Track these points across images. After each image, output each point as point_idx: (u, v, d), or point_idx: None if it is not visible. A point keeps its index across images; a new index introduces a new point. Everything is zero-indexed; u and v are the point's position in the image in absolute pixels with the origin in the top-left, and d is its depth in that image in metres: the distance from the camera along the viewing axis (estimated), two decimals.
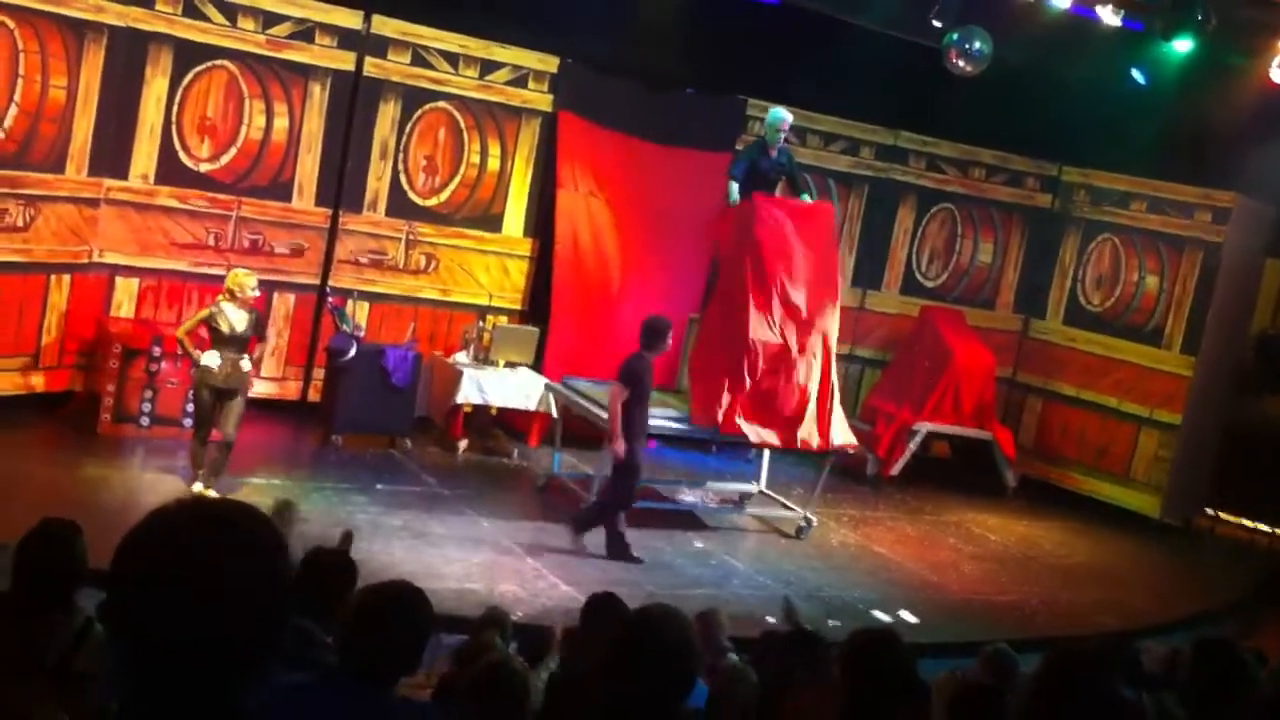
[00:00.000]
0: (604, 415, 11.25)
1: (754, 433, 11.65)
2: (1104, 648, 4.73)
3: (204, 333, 10.11)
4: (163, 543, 1.89)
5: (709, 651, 6.29)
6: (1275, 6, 12.44)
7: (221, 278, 12.29)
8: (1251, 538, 15.24)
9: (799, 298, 11.75)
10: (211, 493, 9.92)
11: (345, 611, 3.99)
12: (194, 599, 1.84)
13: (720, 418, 11.49)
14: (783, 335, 11.63)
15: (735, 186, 12.16)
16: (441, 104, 13.36)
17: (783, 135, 12.44)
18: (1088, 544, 13.90)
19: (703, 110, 14.56)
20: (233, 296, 10.04)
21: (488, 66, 13.50)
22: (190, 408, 10.83)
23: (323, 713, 3.67)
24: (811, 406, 11.70)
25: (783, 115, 12.43)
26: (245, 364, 10.16)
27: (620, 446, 10.52)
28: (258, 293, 10.32)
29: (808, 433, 11.74)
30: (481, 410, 13.12)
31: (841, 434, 11.97)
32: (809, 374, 11.67)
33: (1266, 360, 15.58)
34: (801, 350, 11.66)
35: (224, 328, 9.96)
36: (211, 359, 9.96)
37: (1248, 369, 15.50)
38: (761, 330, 11.55)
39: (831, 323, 11.93)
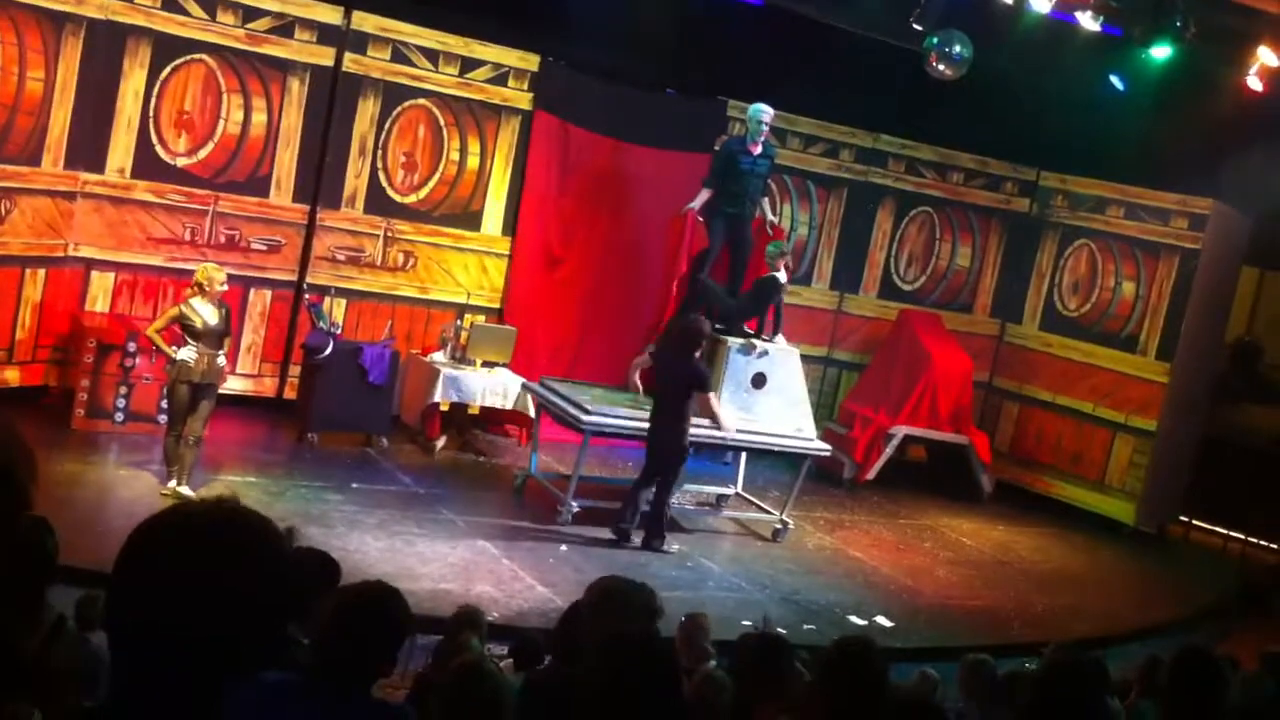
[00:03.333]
0: (582, 416, 11.26)
1: None
2: (1095, 662, 4.74)
3: (176, 329, 10.03)
4: (169, 545, 1.91)
5: (691, 656, 6.27)
6: (1254, 15, 12.47)
7: None
8: (1225, 545, 15.32)
9: None
10: (186, 489, 9.87)
11: (323, 611, 3.96)
12: (196, 601, 1.85)
13: None
14: None
15: (705, 194, 12.37)
16: (421, 101, 13.32)
17: (764, 129, 12.40)
18: (1062, 550, 13.93)
19: (683, 111, 14.56)
20: (202, 291, 9.97)
21: (468, 64, 13.46)
22: (164, 404, 10.73)
23: (299, 712, 3.64)
24: None
25: (763, 109, 12.42)
26: (220, 359, 10.12)
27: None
28: (226, 286, 10.25)
29: None
30: (458, 409, 13.07)
31: None
32: None
33: (1242, 368, 15.67)
34: None
35: (197, 323, 9.89)
36: (189, 354, 9.88)
37: (1223, 376, 15.58)
38: None
39: None
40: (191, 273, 10.42)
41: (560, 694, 4.53)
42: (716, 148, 13.11)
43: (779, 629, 8.65)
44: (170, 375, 10.08)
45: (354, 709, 3.73)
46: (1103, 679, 4.78)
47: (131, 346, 11.35)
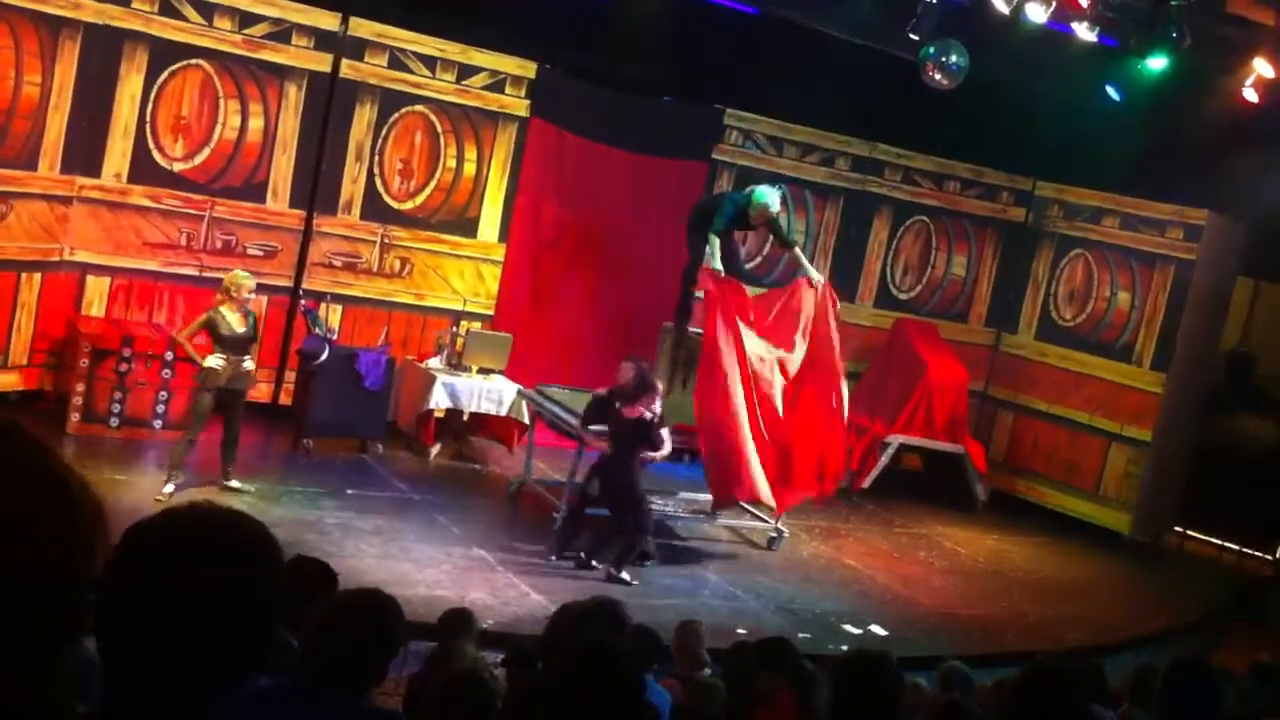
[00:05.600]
0: (576, 422, 11.24)
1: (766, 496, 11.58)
2: (1077, 668, 4.75)
3: (201, 337, 10.32)
4: (160, 547, 1.88)
5: (686, 663, 6.28)
6: (1249, 25, 12.50)
7: (193, 278, 12.34)
8: (1219, 555, 15.32)
9: (774, 367, 11.62)
10: (170, 486, 10.03)
11: (316, 617, 3.94)
12: (187, 604, 1.84)
13: (736, 493, 11.50)
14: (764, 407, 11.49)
15: (717, 243, 11.78)
16: (418, 107, 13.31)
17: (763, 219, 12.17)
18: (1057, 559, 13.94)
19: (679, 119, 14.58)
20: (229, 298, 10.22)
21: (465, 71, 13.47)
22: (161, 409, 10.76)
23: (295, 717, 3.63)
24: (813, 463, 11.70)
25: (769, 201, 12.05)
26: (248, 364, 10.40)
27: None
28: (255, 294, 10.52)
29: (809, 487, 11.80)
30: (454, 416, 13.07)
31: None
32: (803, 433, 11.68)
33: (1236, 378, 15.67)
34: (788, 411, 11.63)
35: (224, 330, 10.17)
36: (215, 361, 10.16)
37: (1218, 387, 15.58)
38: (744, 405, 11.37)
39: (829, 377, 11.84)
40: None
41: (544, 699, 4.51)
42: (717, 156, 13.01)
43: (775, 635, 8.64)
44: (198, 381, 10.32)
45: (347, 716, 3.71)
46: (1087, 688, 4.77)
47: (126, 351, 11.35)
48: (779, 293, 12.22)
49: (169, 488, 10.01)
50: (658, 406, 10.54)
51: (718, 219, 12.12)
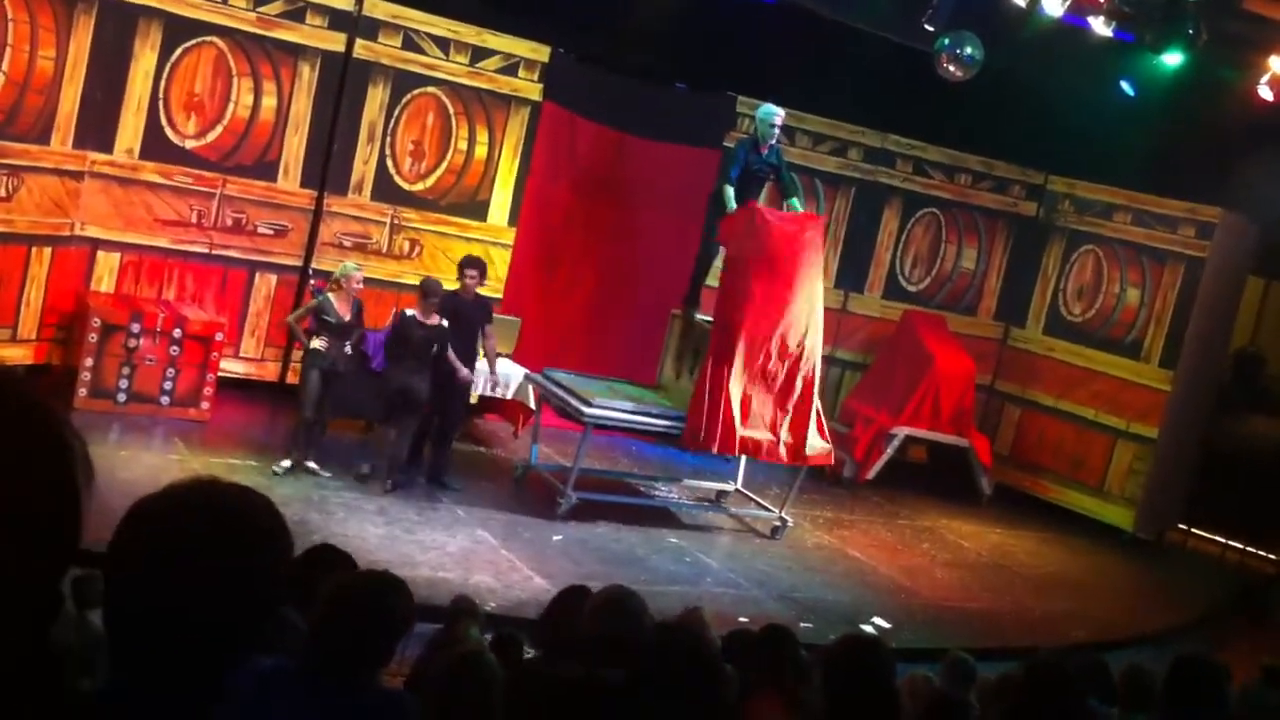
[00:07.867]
0: (584, 408, 11.26)
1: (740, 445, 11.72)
2: (1076, 664, 4.74)
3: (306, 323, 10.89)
4: (166, 523, 1.88)
5: None
6: (1265, 23, 12.47)
7: (203, 255, 12.36)
8: (1223, 554, 15.31)
9: (793, 312, 11.73)
10: (312, 464, 10.83)
11: (323, 599, 3.94)
12: (194, 578, 1.83)
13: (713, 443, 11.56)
14: (775, 351, 11.65)
15: (730, 192, 11.72)
16: (431, 89, 13.30)
17: (775, 130, 12.08)
18: (1060, 555, 13.93)
19: (692, 106, 14.56)
20: (339, 287, 10.82)
21: (479, 53, 13.45)
22: (169, 385, 10.79)
23: (300, 698, 3.64)
24: (788, 420, 11.74)
25: (774, 110, 12.14)
26: (346, 349, 10.92)
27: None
28: (362, 285, 11.05)
29: (783, 447, 11.79)
30: None
31: (814, 447, 11.98)
32: (793, 388, 11.72)
33: (1244, 377, 15.65)
34: (790, 362, 11.71)
35: (330, 317, 10.72)
36: (319, 343, 10.71)
37: (1226, 386, 15.55)
38: (753, 347, 11.56)
39: (817, 333, 11.91)
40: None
41: (553, 689, 4.50)
42: (729, 144, 13.02)
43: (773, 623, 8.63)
44: (305, 362, 10.88)
45: (356, 696, 3.71)
46: (1093, 684, 4.76)
47: (135, 327, 11.37)
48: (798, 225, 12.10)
49: (286, 462, 10.75)
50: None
51: (730, 168, 12.06)
